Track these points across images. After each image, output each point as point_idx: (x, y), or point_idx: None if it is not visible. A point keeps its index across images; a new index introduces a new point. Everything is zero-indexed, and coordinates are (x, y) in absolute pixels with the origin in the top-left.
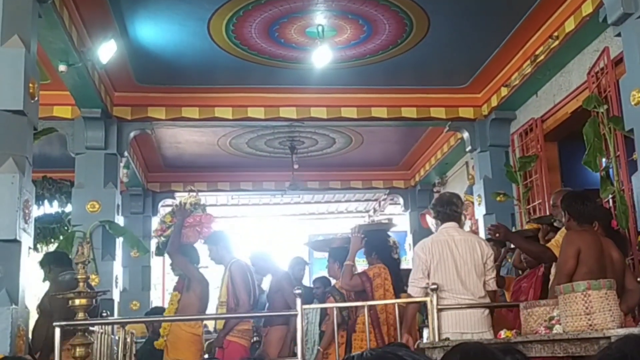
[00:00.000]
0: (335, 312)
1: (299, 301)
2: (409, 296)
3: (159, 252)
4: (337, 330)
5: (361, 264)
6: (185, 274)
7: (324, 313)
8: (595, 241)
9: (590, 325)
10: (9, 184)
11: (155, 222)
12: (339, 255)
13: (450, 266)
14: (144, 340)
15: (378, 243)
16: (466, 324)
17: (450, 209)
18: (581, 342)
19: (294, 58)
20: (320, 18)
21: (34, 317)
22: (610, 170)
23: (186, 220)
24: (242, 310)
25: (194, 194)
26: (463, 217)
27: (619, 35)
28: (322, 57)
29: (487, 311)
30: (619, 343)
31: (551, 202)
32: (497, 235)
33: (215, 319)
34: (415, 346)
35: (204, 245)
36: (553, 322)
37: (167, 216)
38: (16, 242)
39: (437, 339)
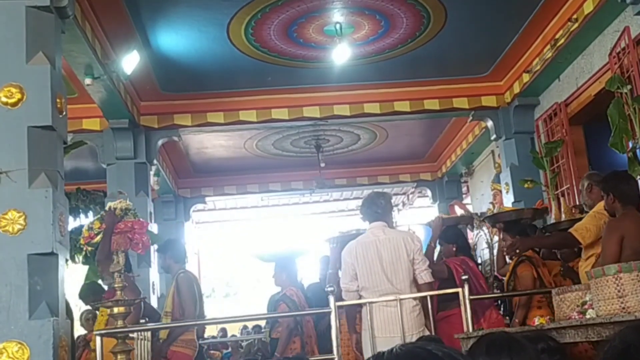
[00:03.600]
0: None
1: (332, 298)
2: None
3: (87, 260)
4: (291, 337)
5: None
6: None
7: (275, 320)
8: (637, 223)
9: (624, 308)
10: (42, 199)
11: (188, 228)
12: (286, 265)
13: (376, 266)
14: None
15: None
16: (395, 327)
17: (372, 210)
18: (615, 325)
19: (314, 57)
20: (337, 16)
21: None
22: (638, 150)
23: (117, 227)
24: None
25: (124, 198)
26: (391, 215)
27: (639, 14)
28: (341, 54)
29: (418, 309)
30: (622, 333)
31: (580, 187)
32: (518, 251)
33: (240, 320)
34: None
35: (156, 253)
36: (585, 306)
37: (95, 222)
38: (53, 254)
39: (470, 330)
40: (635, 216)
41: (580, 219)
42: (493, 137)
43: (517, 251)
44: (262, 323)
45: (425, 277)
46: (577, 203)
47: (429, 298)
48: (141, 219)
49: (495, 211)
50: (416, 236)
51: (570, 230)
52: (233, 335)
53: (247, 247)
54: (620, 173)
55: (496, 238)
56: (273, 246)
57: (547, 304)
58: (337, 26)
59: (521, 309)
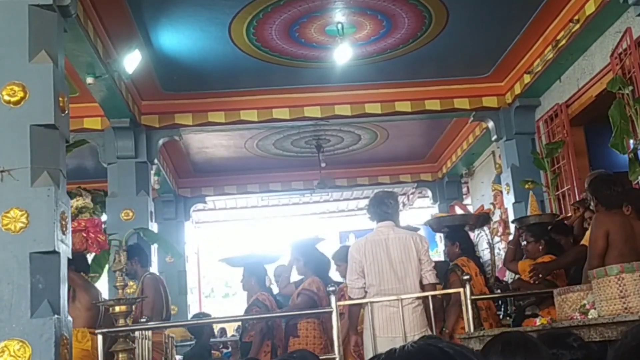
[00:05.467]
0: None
1: (333, 298)
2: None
3: None
4: (264, 340)
5: None
6: (69, 284)
7: (246, 325)
8: (624, 223)
9: (626, 308)
10: (45, 197)
11: (188, 228)
12: (255, 270)
13: (385, 265)
14: (183, 344)
15: (312, 257)
16: (397, 327)
17: (381, 209)
18: (617, 325)
19: (316, 57)
20: (339, 16)
21: None
22: (639, 151)
23: None
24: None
25: (83, 196)
26: (399, 215)
27: None
28: (343, 54)
29: (420, 309)
30: (634, 330)
31: (585, 186)
32: (541, 276)
33: (234, 320)
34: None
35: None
36: (587, 307)
37: None
38: (55, 253)
39: (472, 330)
40: (622, 216)
41: (555, 215)
42: (494, 137)
43: (540, 276)
44: None
45: (430, 277)
46: (578, 199)
47: (430, 299)
48: (96, 218)
49: (496, 213)
50: (424, 237)
51: (583, 242)
52: (233, 336)
53: (246, 247)
54: (602, 178)
55: (497, 239)
56: (242, 251)
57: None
58: (339, 26)
59: (453, 316)
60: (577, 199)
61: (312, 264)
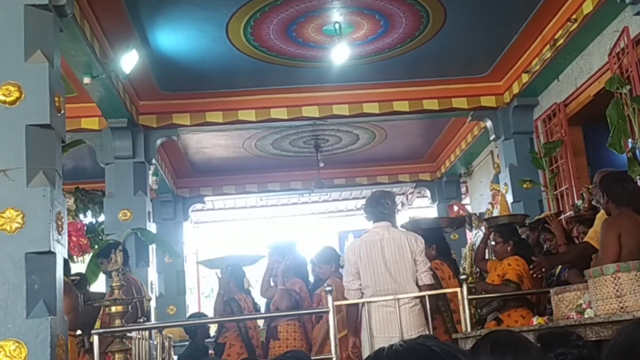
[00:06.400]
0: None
1: (330, 297)
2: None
3: None
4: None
5: None
6: None
7: (222, 326)
8: (634, 223)
9: (622, 307)
10: (40, 197)
11: (187, 228)
12: (233, 272)
13: (379, 265)
14: (182, 344)
15: (292, 259)
16: (393, 327)
17: (378, 210)
18: (613, 325)
19: (313, 57)
20: (336, 15)
21: None
22: (637, 151)
23: None
24: None
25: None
26: (396, 215)
27: (638, 14)
28: (340, 54)
29: (417, 309)
30: (628, 329)
31: (594, 182)
32: (544, 270)
33: (229, 320)
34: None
35: (98, 259)
36: (584, 306)
37: None
38: (51, 253)
39: (469, 330)
40: (632, 216)
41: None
42: (492, 137)
43: (544, 270)
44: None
45: (425, 278)
46: (575, 202)
47: (427, 298)
48: (78, 221)
49: (494, 213)
50: (419, 237)
51: (586, 239)
52: None
53: (246, 247)
54: (614, 174)
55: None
56: (221, 252)
57: (442, 321)
58: (336, 26)
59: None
60: (574, 203)
61: (292, 266)
